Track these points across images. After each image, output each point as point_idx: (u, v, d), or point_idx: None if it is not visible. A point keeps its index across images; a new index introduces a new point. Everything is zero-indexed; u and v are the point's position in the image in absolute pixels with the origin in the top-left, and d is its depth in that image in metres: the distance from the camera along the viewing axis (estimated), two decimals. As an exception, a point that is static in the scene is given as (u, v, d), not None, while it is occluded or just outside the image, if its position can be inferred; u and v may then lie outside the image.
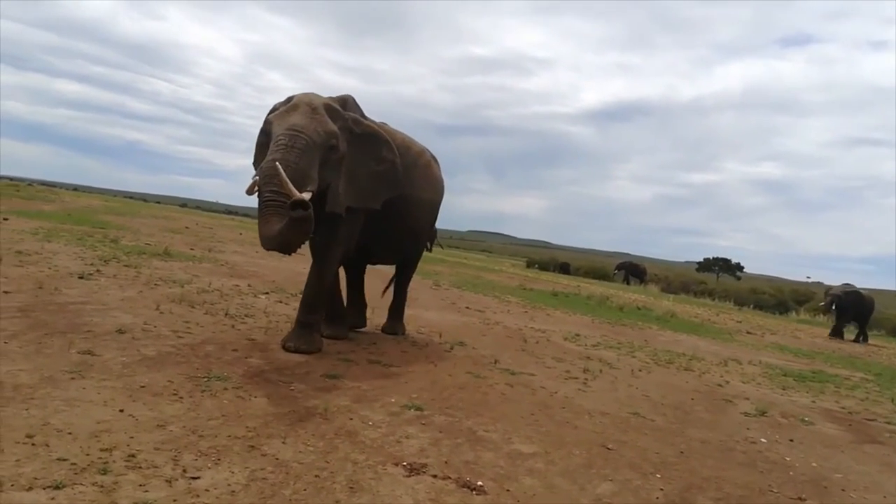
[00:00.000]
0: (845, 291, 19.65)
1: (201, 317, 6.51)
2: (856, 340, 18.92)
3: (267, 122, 5.59)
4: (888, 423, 6.95)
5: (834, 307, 19.73)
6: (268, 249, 5.11)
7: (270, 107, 6.00)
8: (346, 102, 6.16)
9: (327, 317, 6.42)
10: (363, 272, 7.69)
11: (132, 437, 3.26)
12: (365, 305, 7.58)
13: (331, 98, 5.98)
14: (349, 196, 5.93)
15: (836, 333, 18.91)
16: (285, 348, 5.71)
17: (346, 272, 7.50)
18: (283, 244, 5.01)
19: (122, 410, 3.61)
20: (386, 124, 6.87)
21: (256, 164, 5.98)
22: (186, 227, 18.98)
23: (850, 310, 19.15)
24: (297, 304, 8.20)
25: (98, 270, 8.15)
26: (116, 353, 4.70)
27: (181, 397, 4.01)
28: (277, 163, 4.92)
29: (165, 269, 9.48)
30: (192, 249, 13.05)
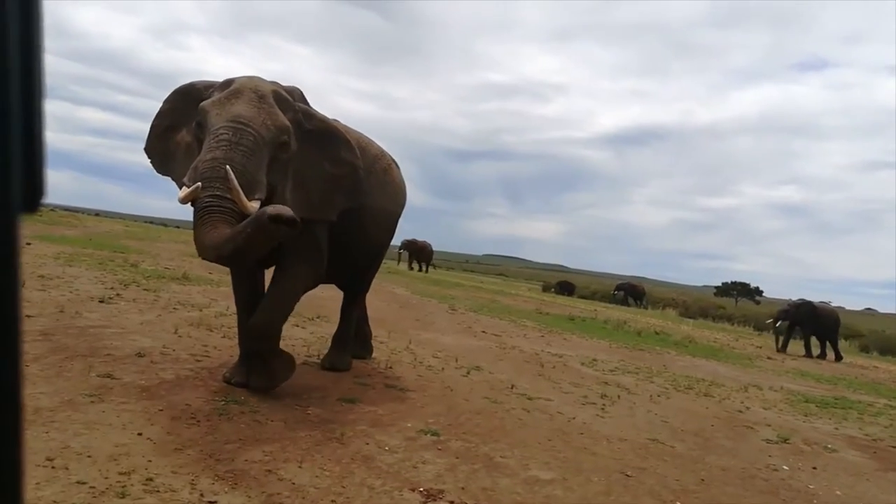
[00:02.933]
0: (796, 304, 18.76)
1: (219, 340, 6.55)
2: (819, 356, 17.99)
3: (201, 110, 4.51)
4: (914, 451, 6.79)
5: (778, 323, 19.00)
6: (212, 259, 4.31)
7: (186, 83, 5.15)
8: (294, 94, 5.17)
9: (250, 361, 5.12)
10: (362, 296, 7.14)
11: (150, 461, 3.28)
12: (367, 333, 7.16)
13: (278, 85, 4.99)
14: (298, 205, 4.86)
15: (806, 350, 18.04)
16: (223, 378, 5.03)
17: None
18: (238, 251, 4.10)
19: (140, 434, 3.64)
20: (338, 121, 5.99)
21: (154, 152, 5.09)
22: (205, 252, 19.14)
23: (807, 324, 18.13)
24: (314, 329, 8.25)
25: (118, 294, 8.24)
26: (135, 377, 4.74)
27: (199, 421, 4.03)
28: (227, 166, 4.10)
29: (184, 293, 9.57)
30: (210, 273, 13.15)
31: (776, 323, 19.14)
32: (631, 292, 40.20)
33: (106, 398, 4.15)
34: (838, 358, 18.05)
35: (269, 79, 4.98)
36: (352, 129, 6.05)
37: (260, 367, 4.95)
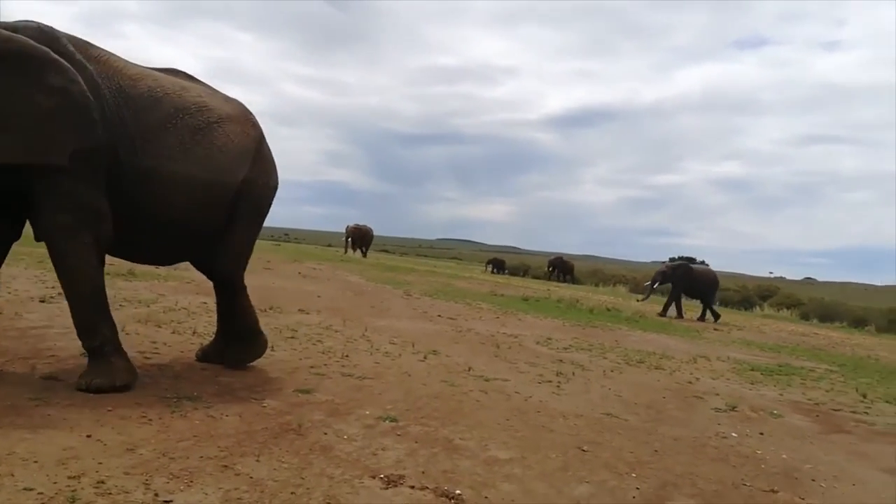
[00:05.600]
0: (672, 266, 18.93)
1: (168, 336, 6.41)
2: (701, 318, 18.15)
3: None
4: (853, 412, 7.13)
5: (656, 285, 19.23)
6: None
7: None
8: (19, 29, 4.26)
9: None
10: (228, 284, 5.77)
11: (101, 463, 3.18)
12: (245, 331, 5.77)
13: None
14: (2, 148, 4.07)
15: (664, 308, 18.21)
16: (77, 387, 4.32)
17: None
18: None
19: (89, 436, 3.53)
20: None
21: None
22: (150, 246, 18.65)
23: (681, 285, 18.28)
24: (267, 321, 8.13)
25: (60, 293, 7.94)
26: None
27: (150, 419, 3.93)
28: None
29: (130, 289, 9.30)
30: (157, 267, 12.82)
31: (654, 285, 19.46)
32: (561, 268, 42.07)
33: (51, 401, 4.01)
34: (715, 317, 18.26)
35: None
36: (155, 72, 5.09)
37: (100, 365, 4.42)
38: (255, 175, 5.49)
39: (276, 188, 5.90)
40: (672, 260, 21.59)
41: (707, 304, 18.60)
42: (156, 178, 4.75)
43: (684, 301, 18.91)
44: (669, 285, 18.82)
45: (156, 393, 4.48)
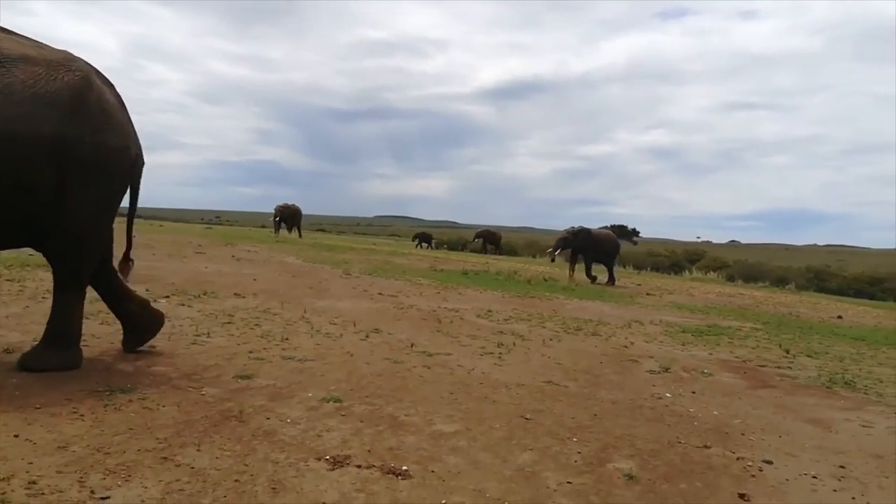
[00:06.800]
0: (574, 231, 18.73)
1: (97, 328, 6.16)
2: (609, 283, 18.46)
3: None
4: (778, 367, 7.52)
5: (558, 251, 19.30)
6: None
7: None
8: None
9: None
10: (104, 267, 5.31)
11: (31, 463, 3.06)
12: (51, 333, 4.80)
13: None
14: None
15: (588, 276, 18.48)
16: None
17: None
18: None
19: (17, 435, 3.38)
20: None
21: None
22: (73, 234, 17.78)
23: (587, 250, 18.54)
24: (201, 307, 7.93)
25: (-24, 288, 7.54)
26: (6, 376, 4.38)
27: (82, 415, 3.79)
28: None
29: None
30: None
31: (556, 251, 19.52)
32: (490, 239, 42.99)
33: (-28, 402, 3.81)
34: (611, 281, 18.73)
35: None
36: None
37: None
38: (80, 131, 4.50)
39: (124, 149, 4.88)
40: (606, 228, 22.00)
41: (609, 267, 19.05)
42: None
43: (565, 263, 19.12)
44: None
45: (87, 386, 4.31)
